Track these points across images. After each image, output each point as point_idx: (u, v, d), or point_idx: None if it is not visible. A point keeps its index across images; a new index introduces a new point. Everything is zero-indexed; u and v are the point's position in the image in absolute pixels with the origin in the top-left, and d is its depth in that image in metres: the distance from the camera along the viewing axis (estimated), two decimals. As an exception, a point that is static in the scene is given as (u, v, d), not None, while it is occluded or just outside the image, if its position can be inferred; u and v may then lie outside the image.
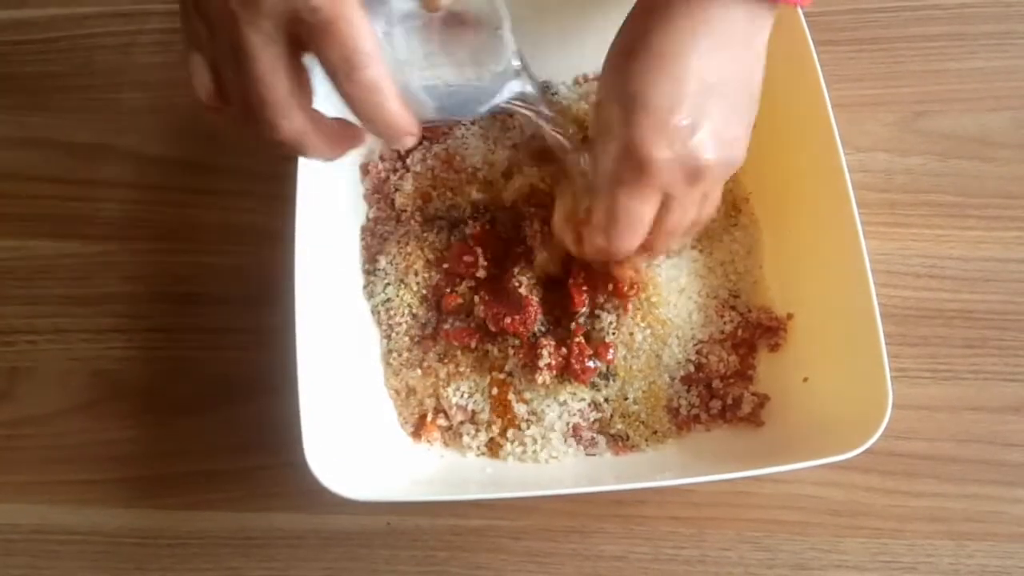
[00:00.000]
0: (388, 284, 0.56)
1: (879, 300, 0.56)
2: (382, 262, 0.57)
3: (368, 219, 0.59)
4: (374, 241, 0.58)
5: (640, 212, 0.46)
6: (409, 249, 0.56)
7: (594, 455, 0.53)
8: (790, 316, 0.54)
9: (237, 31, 0.37)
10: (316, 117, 0.40)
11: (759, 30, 0.44)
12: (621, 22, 0.46)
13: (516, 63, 0.44)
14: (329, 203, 0.55)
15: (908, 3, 0.66)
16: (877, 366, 0.47)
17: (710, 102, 0.43)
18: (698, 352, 0.54)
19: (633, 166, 0.44)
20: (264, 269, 0.58)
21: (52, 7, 0.70)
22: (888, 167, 0.61)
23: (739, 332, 0.55)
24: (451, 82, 0.43)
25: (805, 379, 0.52)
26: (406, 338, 0.55)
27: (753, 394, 0.53)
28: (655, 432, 0.53)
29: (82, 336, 0.60)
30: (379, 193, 0.59)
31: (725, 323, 0.55)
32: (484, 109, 0.44)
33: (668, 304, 0.54)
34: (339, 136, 0.42)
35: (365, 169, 0.60)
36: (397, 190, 0.58)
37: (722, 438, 0.53)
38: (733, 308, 0.56)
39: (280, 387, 0.52)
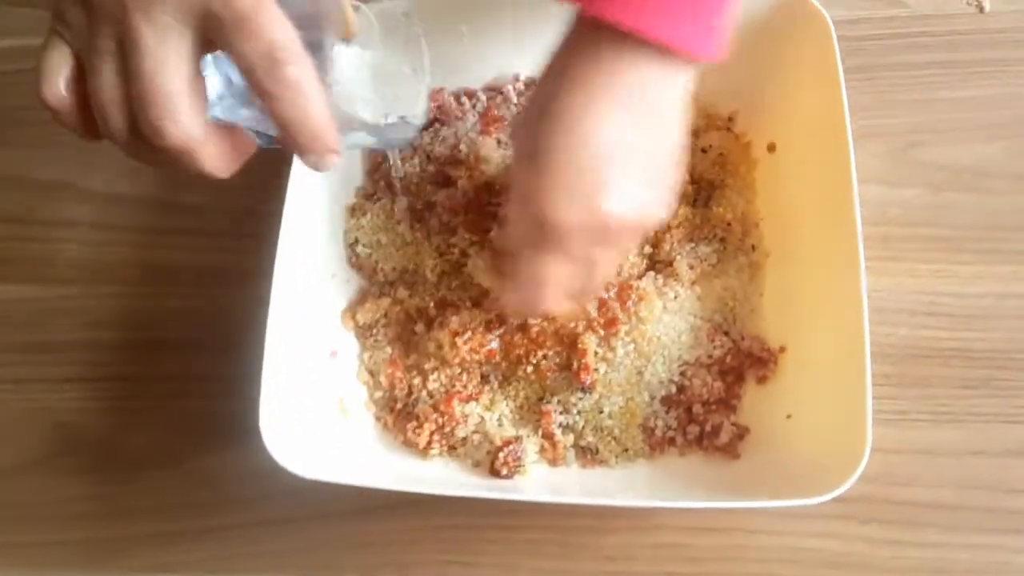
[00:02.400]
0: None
1: (874, 339, 0.54)
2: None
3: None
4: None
5: (547, 274, 0.45)
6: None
7: (560, 466, 0.52)
8: (782, 349, 0.53)
9: (128, 20, 0.34)
10: (209, 124, 0.37)
11: (673, 88, 0.42)
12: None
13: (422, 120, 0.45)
14: (309, 244, 0.54)
15: (897, 30, 0.65)
16: (860, 412, 0.45)
17: (617, 164, 0.41)
18: (682, 374, 0.53)
19: (539, 229, 0.43)
20: (232, 312, 0.55)
21: (10, 37, 0.67)
22: (881, 200, 0.59)
23: (728, 359, 0.53)
24: (367, 119, 0.43)
25: (788, 416, 0.50)
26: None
27: (733, 424, 0.51)
28: (626, 450, 0.52)
29: (41, 385, 0.57)
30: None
31: (715, 348, 0.53)
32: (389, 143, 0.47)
33: (658, 321, 0.52)
34: (233, 146, 0.38)
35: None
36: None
37: (695, 465, 0.51)
38: (726, 333, 0.54)
39: (249, 439, 0.49)
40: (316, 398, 0.52)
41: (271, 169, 0.51)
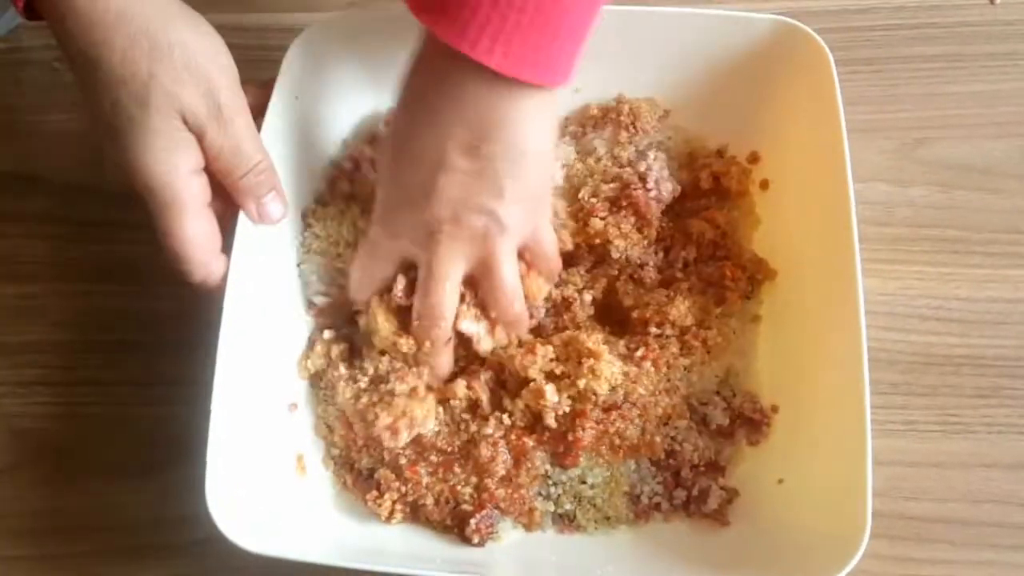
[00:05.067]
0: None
1: (882, 345, 0.53)
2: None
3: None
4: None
5: (375, 258, 0.48)
6: None
7: (536, 530, 0.48)
8: (775, 409, 0.49)
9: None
10: None
11: (516, 107, 0.42)
12: None
13: None
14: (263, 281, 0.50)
15: (904, 21, 0.63)
16: (859, 481, 0.42)
17: (442, 169, 0.44)
18: (672, 437, 0.49)
19: (384, 212, 0.47)
20: (202, 313, 0.51)
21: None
22: (888, 199, 0.57)
23: (719, 418, 0.49)
24: None
25: (780, 481, 0.47)
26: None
27: (722, 488, 0.48)
28: (608, 518, 0.48)
29: (2, 390, 0.54)
30: None
31: (707, 407, 0.50)
32: None
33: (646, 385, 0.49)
34: None
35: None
36: None
37: (681, 533, 0.48)
38: (717, 392, 0.50)
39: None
40: (271, 458, 0.48)
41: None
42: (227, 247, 0.47)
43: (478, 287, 0.47)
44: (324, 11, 0.62)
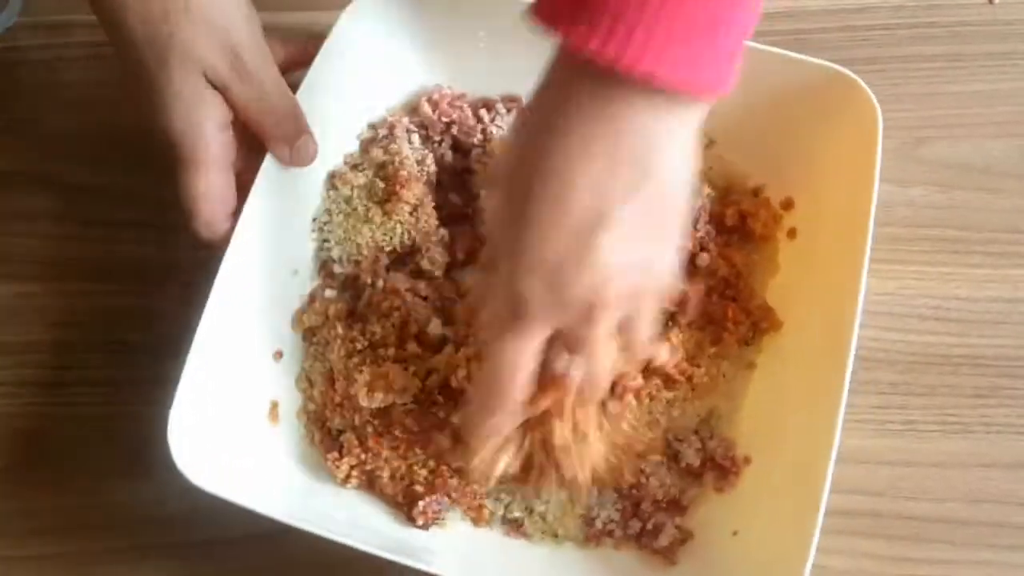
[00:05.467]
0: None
1: (881, 345, 0.53)
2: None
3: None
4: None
5: (514, 358, 0.39)
6: None
7: (483, 526, 0.48)
8: (747, 460, 0.48)
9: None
10: None
11: (673, 132, 0.36)
12: None
13: None
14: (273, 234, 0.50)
15: (903, 20, 0.62)
16: (803, 550, 0.41)
17: (603, 226, 0.35)
18: (642, 470, 0.48)
19: (507, 303, 0.38)
20: (203, 312, 0.51)
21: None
22: (888, 199, 0.56)
23: (691, 459, 0.49)
24: None
25: (735, 532, 0.46)
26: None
27: (678, 527, 0.47)
28: (556, 535, 0.48)
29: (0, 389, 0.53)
30: None
31: (682, 444, 0.49)
32: None
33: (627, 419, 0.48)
34: None
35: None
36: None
37: (629, 562, 0.47)
38: (695, 431, 0.50)
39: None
40: (245, 400, 0.48)
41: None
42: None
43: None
44: (326, 10, 0.62)
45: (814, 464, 0.43)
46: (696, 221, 0.52)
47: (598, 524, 0.48)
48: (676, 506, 0.48)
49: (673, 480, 0.48)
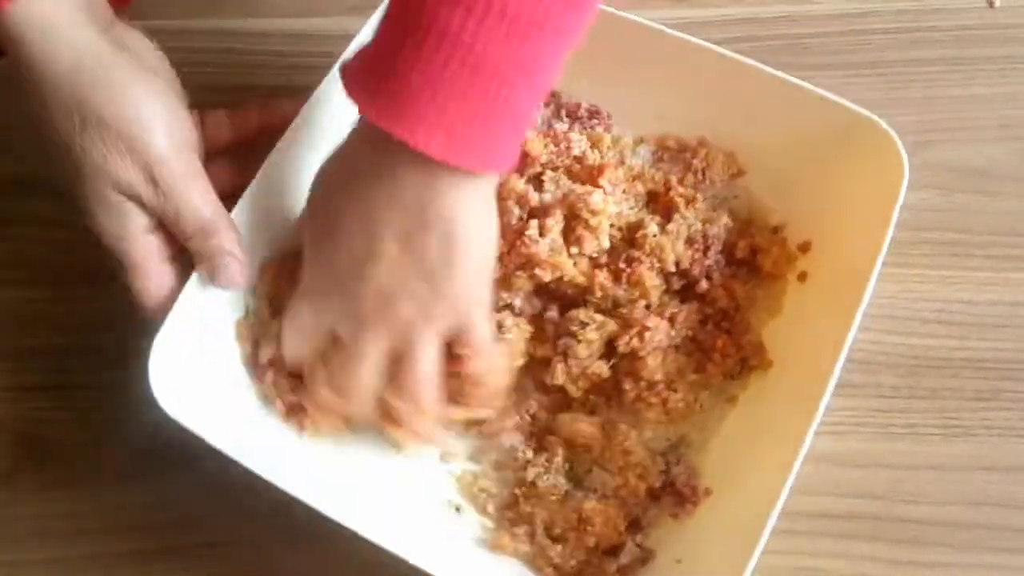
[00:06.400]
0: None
1: (882, 348, 0.53)
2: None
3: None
4: None
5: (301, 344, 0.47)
6: None
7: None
8: (707, 492, 0.48)
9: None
10: None
11: (452, 194, 0.41)
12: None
13: None
14: None
15: (904, 25, 0.63)
16: None
17: (373, 260, 0.43)
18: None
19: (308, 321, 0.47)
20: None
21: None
22: (888, 202, 0.57)
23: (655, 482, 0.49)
24: None
25: (678, 561, 0.46)
26: None
27: (639, 546, 0.47)
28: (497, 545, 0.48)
29: (4, 395, 0.54)
30: None
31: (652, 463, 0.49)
32: None
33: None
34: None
35: None
36: None
37: None
38: (663, 453, 0.50)
39: (224, 454, 0.46)
40: (228, 345, 0.49)
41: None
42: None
43: (396, 371, 0.45)
44: (324, 16, 0.62)
45: (763, 504, 0.42)
46: (707, 248, 0.52)
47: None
48: (636, 525, 0.48)
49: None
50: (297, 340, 0.47)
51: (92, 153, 0.43)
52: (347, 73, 0.40)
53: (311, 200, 0.46)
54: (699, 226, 0.52)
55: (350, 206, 0.43)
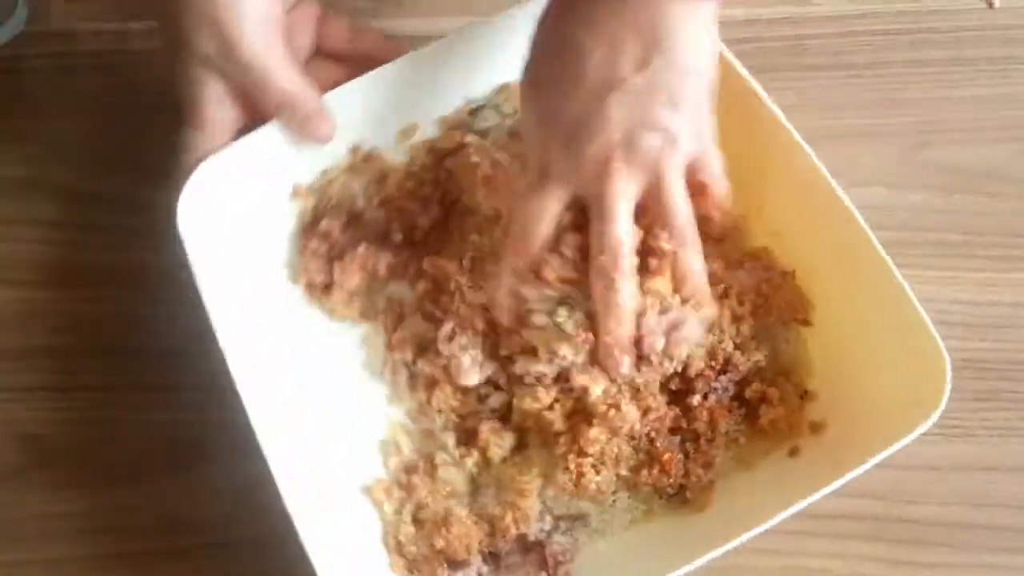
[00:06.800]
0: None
1: None
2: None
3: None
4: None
5: (536, 214, 0.44)
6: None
7: None
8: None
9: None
10: None
11: (682, 16, 0.41)
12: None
13: None
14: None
15: (905, 26, 0.63)
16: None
17: (614, 89, 0.42)
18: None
19: (535, 169, 0.44)
20: (207, 317, 0.52)
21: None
22: (888, 203, 0.57)
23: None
24: None
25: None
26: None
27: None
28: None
29: (4, 395, 0.54)
30: None
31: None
32: None
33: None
34: None
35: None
36: None
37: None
38: (557, 516, 0.48)
39: (227, 455, 0.48)
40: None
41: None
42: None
43: (648, 212, 0.44)
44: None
45: None
46: (723, 372, 0.49)
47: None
48: (494, 559, 0.48)
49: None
50: (533, 231, 0.44)
51: (179, 25, 0.46)
52: None
53: (533, 50, 0.45)
54: (731, 348, 0.49)
55: (577, 47, 0.42)
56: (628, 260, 0.43)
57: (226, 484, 0.50)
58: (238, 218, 0.50)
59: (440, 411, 0.50)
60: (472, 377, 0.48)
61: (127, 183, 0.58)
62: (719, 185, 0.45)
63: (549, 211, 0.44)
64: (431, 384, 0.50)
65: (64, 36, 0.63)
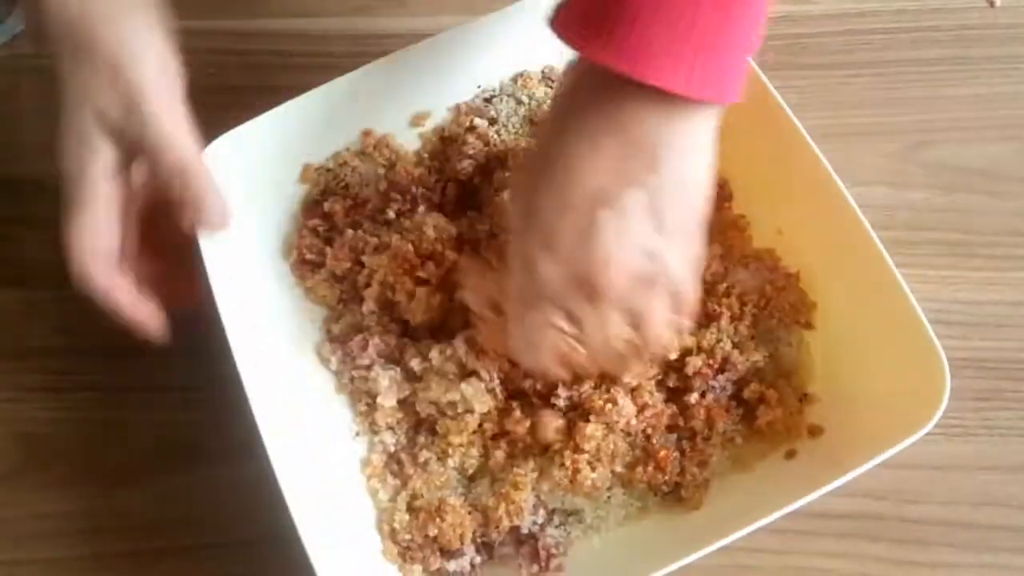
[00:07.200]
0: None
1: None
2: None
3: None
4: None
5: (534, 329, 0.42)
6: None
7: None
8: (559, 568, 0.47)
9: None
10: None
11: (684, 132, 0.39)
12: None
13: None
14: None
15: (905, 24, 0.63)
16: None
17: (607, 205, 0.39)
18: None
19: (528, 279, 0.41)
20: (208, 318, 0.52)
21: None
22: (888, 202, 0.57)
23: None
24: None
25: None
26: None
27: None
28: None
29: (6, 395, 0.54)
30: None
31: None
32: None
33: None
34: None
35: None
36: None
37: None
38: (551, 510, 0.48)
39: (224, 454, 0.48)
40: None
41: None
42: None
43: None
44: (326, 16, 0.62)
45: None
46: (721, 370, 0.49)
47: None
48: (488, 548, 0.48)
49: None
50: (535, 340, 0.43)
51: (78, 76, 0.42)
52: (561, 22, 0.38)
53: (527, 158, 0.45)
54: (729, 347, 0.49)
55: (573, 160, 0.39)
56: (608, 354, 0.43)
57: (226, 484, 0.50)
58: (248, 196, 0.50)
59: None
60: (390, 398, 0.49)
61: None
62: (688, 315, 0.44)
63: (548, 335, 0.42)
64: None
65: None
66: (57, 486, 0.52)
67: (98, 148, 0.43)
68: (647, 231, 0.40)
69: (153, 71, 0.43)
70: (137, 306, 0.45)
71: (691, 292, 0.43)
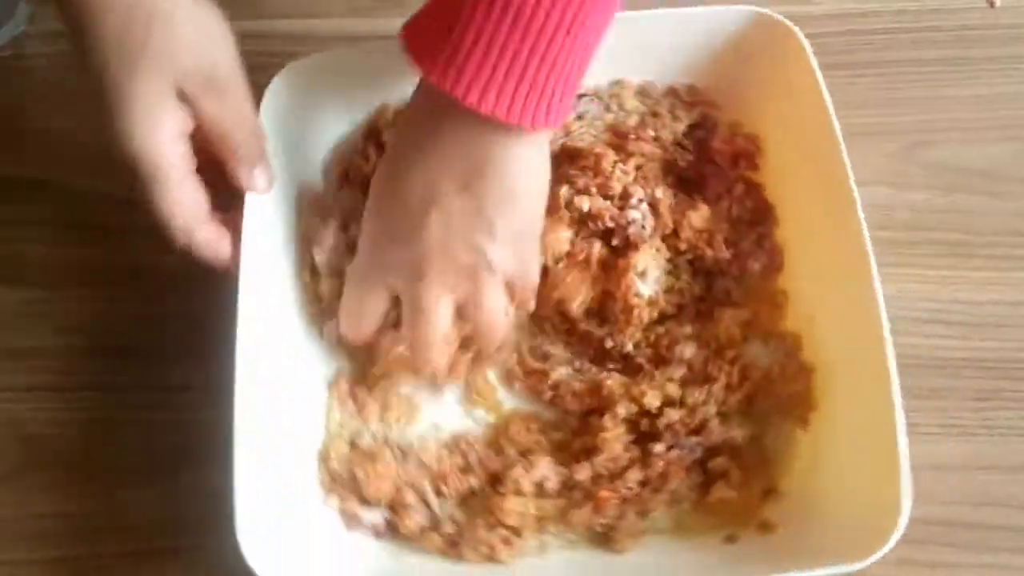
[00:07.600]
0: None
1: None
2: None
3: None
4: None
5: (363, 298, 0.48)
6: None
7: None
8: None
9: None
10: None
11: (506, 146, 0.43)
12: None
13: None
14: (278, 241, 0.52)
15: (906, 24, 0.63)
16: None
17: (434, 206, 0.44)
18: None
19: (367, 256, 0.48)
20: (209, 317, 0.51)
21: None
22: (889, 202, 0.57)
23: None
24: None
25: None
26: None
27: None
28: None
29: (6, 395, 0.54)
30: None
31: None
32: None
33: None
34: None
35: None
36: None
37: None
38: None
39: (224, 454, 0.47)
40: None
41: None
42: (224, 216, 0.48)
43: (466, 321, 0.47)
44: (325, 17, 0.62)
45: None
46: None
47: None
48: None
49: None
50: (359, 308, 0.48)
51: (156, 44, 0.43)
52: (407, 35, 0.42)
53: (379, 169, 0.48)
54: (712, 412, 0.49)
55: (409, 165, 0.45)
56: (435, 359, 0.47)
57: (226, 484, 0.50)
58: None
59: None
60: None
61: (126, 185, 0.58)
62: (528, 303, 0.49)
63: (371, 305, 0.48)
64: None
65: (64, 36, 0.63)
66: (57, 486, 0.52)
67: (172, 114, 0.44)
68: (471, 230, 0.44)
69: (225, 45, 0.46)
70: (236, 246, 0.48)
71: (528, 282, 0.48)
